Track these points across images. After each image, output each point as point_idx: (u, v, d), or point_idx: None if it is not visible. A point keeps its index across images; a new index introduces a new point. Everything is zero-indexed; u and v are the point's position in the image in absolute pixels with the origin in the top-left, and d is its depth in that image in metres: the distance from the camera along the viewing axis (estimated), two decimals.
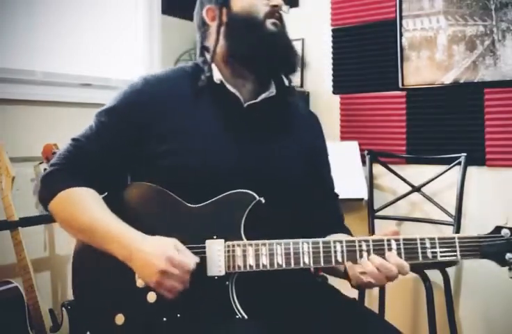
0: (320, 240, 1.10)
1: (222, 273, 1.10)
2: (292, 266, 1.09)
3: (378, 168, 2.58)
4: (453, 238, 1.08)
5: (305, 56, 2.84)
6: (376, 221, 2.52)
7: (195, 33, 1.35)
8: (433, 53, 2.47)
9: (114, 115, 1.23)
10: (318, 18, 2.79)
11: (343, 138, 2.73)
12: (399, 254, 1.07)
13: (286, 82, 1.30)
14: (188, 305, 1.09)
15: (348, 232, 1.34)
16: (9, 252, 1.92)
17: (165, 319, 1.10)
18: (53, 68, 2.32)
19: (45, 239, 2.23)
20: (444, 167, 2.39)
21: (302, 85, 2.82)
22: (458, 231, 2.30)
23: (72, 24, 2.43)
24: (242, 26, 1.23)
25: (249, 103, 1.25)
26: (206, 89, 1.23)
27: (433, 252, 1.07)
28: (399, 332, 1.15)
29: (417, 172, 2.50)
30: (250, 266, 1.10)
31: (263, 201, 1.13)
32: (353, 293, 1.29)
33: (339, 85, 2.77)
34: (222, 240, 1.11)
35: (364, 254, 1.08)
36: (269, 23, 1.24)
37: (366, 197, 2.43)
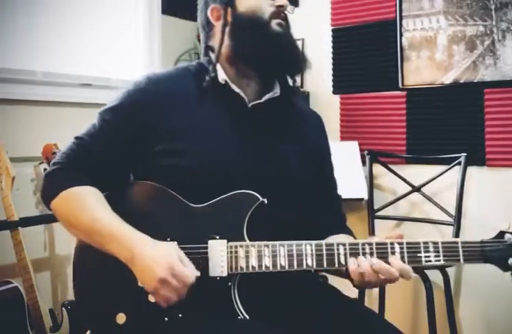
0: (323, 242, 1.10)
1: (225, 273, 1.10)
2: (295, 267, 1.09)
3: (378, 168, 2.58)
4: (457, 242, 1.07)
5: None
6: (376, 221, 2.52)
7: (200, 32, 1.34)
8: (433, 53, 2.47)
9: (118, 113, 1.22)
10: (318, 18, 2.79)
11: (343, 138, 2.73)
12: (402, 258, 1.07)
13: (291, 82, 1.30)
14: (190, 305, 1.08)
15: (350, 232, 1.34)
16: (9, 252, 1.92)
17: (166, 318, 1.10)
18: (53, 68, 2.32)
19: (45, 239, 2.22)
20: (444, 167, 2.39)
21: (302, 85, 2.82)
22: (458, 231, 2.30)
23: (72, 24, 2.42)
24: (247, 26, 1.22)
25: (253, 103, 1.25)
26: (210, 89, 1.23)
27: (436, 257, 1.07)
28: (399, 331, 1.15)
29: (417, 172, 2.50)
30: (253, 268, 1.09)
31: (266, 202, 1.13)
32: (353, 294, 1.29)
33: (339, 85, 2.77)
34: (225, 240, 1.11)
35: (367, 256, 1.08)
36: (274, 23, 1.23)
37: (366, 197, 2.44)
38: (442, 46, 2.45)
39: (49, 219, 2.08)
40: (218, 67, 1.25)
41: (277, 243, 1.10)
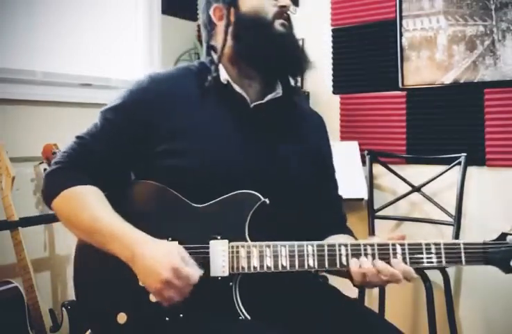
0: (325, 243, 1.10)
1: (226, 273, 1.09)
2: (296, 268, 1.09)
3: (378, 168, 2.58)
4: (459, 244, 1.07)
5: None
6: (376, 221, 2.52)
7: (201, 31, 1.34)
8: (433, 53, 2.47)
9: (120, 112, 1.22)
10: (318, 18, 2.79)
11: (343, 138, 2.73)
12: (404, 259, 1.07)
13: (292, 82, 1.30)
14: (191, 305, 1.08)
15: (350, 233, 1.34)
16: (9, 252, 1.92)
17: (167, 318, 1.10)
18: (53, 68, 2.32)
19: (45, 239, 2.22)
20: (444, 167, 2.39)
21: (302, 85, 2.82)
22: (458, 231, 2.30)
23: (72, 24, 2.42)
24: (250, 27, 1.22)
25: (255, 103, 1.25)
26: (212, 89, 1.23)
27: (437, 258, 1.07)
28: (399, 331, 1.15)
29: (417, 172, 2.50)
30: (254, 268, 1.09)
31: (267, 202, 1.12)
32: (353, 294, 1.29)
33: (339, 85, 2.77)
34: (226, 240, 1.11)
35: (369, 257, 1.08)
36: (278, 24, 1.23)
37: (366, 197, 2.43)
38: (442, 46, 2.45)
39: (49, 219, 2.08)
40: (220, 67, 1.24)
41: (279, 243, 1.10)
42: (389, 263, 1.06)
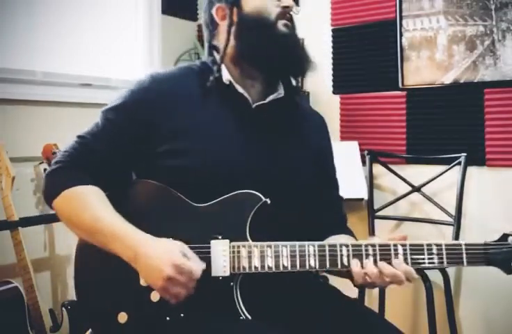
0: (326, 243, 1.10)
1: (227, 273, 1.09)
2: (298, 268, 1.09)
3: (378, 168, 2.58)
4: (460, 245, 1.07)
5: None
6: (376, 221, 2.52)
7: (203, 31, 1.34)
8: (433, 53, 2.47)
9: (121, 112, 1.22)
10: (318, 18, 2.78)
11: (343, 138, 2.73)
12: (405, 259, 1.07)
13: (294, 83, 1.30)
14: (192, 305, 1.08)
15: (351, 233, 1.34)
16: (9, 252, 1.92)
17: (168, 318, 1.10)
18: (53, 68, 2.32)
19: (45, 239, 2.22)
20: (444, 167, 2.39)
21: (302, 86, 2.82)
22: (458, 231, 2.30)
23: (72, 24, 2.42)
24: (253, 27, 1.22)
25: (257, 104, 1.25)
26: (214, 89, 1.23)
27: (439, 259, 1.07)
28: (399, 331, 1.15)
29: (417, 172, 2.50)
30: (255, 268, 1.09)
31: (269, 202, 1.12)
32: (353, 294, 1.29)
33: (339, 85, 2.77)
34: (227, 240, 1.11)
35: (371, 258, 1.07)
36: (281, 24, 1.23)
37: (366, 197, 2.43)
38: (442, 46, 2.45)
39: (49, 219, 2.08)
40: (223, 67, 1.24)
41: (280, 243, 1.10)
42: (390, 264, 1.06)
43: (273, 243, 1.10)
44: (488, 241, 1.08)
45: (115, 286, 1.16)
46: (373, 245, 1.08)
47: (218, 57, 1.26)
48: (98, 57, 2.54)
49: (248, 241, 1.11)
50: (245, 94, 1.24)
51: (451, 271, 2.35)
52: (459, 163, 2.35)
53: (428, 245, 1.07)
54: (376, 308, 2.45)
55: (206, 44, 1.33)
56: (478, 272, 2.33)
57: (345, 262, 1.08)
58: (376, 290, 2.50)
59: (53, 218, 1.92)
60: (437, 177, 2.40)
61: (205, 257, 1.10)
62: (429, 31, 2.48)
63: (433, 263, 1.07)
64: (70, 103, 2.30)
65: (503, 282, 2.19)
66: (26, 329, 1.86)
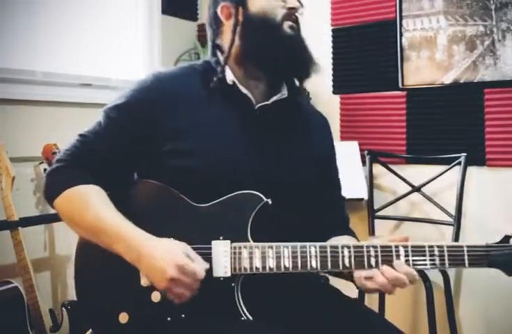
0: (328, 244, 1.10)
1: (228, 274, 1.09)
2: (299, 269, 1.09)
3: (378, 168, 2.58)
4: (462, 246, 1.07)
5: None
6: (376, 221, 2.52)
7: (206, 30, 1.33)
8: (433, 53, 2.47)
9: (123, 111, 1.21)
10: (318, 18, 2.78)
11: (343, 138, 2.73)
12: (407, 261, 1.06)
13: (297, 83, 1.29)
14: (193, 306, 1.08)
15: (353, 234, 1.33)
16: (9, 252, 1.92)
17: (169, 318, 1.10)
18: (53, 68, 2.32)
19: (45, 239, 2.23)
20: (444, 167, 2.39)
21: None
22: (458, 231, 2.30)
23: (72, 24, 2.43)
24: (259, 27, 1.21)
25: (260, 105, 1.24)
26: (217, 89, 1.22)
27: (440, 260, 1.06)
28: (399, 331, 1.15)
29: (417, 172, 2.50)
30: (257, 269, 1.09)
31: (270, 202, 1.12)
32: (353, 294, 1.29)
33: (339, 85, 2.77)
34: (229, 241, 1.11)
35: (372, 260, 1.07)
36: (287, 26, 1.22)
37: (366, 197, 2.43)
38: (442, 46, 2.45)
39: (49, 219, 2.09)
40: (226, 67, 1.23)
41: (281, 244, 1.09)
42: (391, 265, 1.06)
43: (274, 244, 1.10)
44: (490, 243, 1.07)
45: (115, 286, 1.16)
46: (374, 247, 1.08)
47: (222, 58, 1.25)
48: (98, 57, 2.54)
49: (249, 241, 1.11)
50: (249, 95, 1.23)
51: (451, 271, 2.35)
52: (459, 163, 2.35)
53: (429, 246, 1.07)
54: (376, 308, 2.45)
55: (209, 43, 1.32)
56: (479, 272, 2.33)
57: (346, 263, 1.08)
58: None
59: (53, 218, 1.93)
60: (437, 177, 2.39)
61: (206, 257, 1.09)
62: (429, 31, 2.48)
63: (435, 265, 1.06)
64: (70, 103, 2.31)
65: (503, 282, 2.19)
66: (26, 329, 1.86)
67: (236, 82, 1.23)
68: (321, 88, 2.78)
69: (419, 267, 1.07)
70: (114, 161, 1.21)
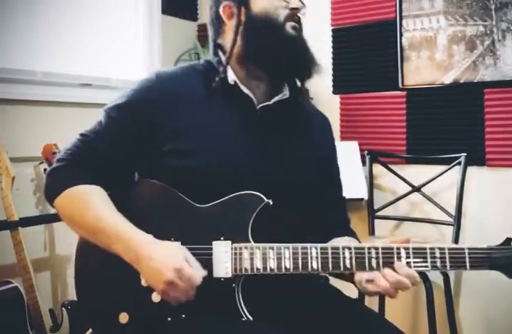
0: (328, 245, 1.09)
1: (229, 275, 1.09)
2: (300, 270, 1.08)
3: (378, 168, 2.58)
4: (463, 248, 1.06)
5: None
6: (376, 221, 2.52)
7: (208, 29, 1.32)
8: (433, 53, 2.47)
9: (124, 111, 1.21)
10: (318, 18, 2.78)
11: (343, 138, 2.73)
12: (408, 263, 1.06)
13: (299, 84, 1.29)
14: (194, 306, 1.08)
15: (354, 235, 1.33)
16: (9, 252, 1.92)
17: (169, 319, 1.10)
18: (53, 68, 2.32)
19: (45, 239, 2.22)
20: (444, 167, 2.39)
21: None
22: (458, 231, 2.30)
23: (72, 24, 2.43)
24: (262, 28, 1.20)
25: (262, 105, 1.24)
26: (218, 89, 1.22)
27: (442, 262, 1.06)
28: (400, 331, 1.15)
29: (417, 172, 2.50)
30: (258, 269, 1.08)
31: (271, 203, 1.12)
32: (353, 294, 1.29)
33: (339, 85, 2.77)
34: (229, 242, 1.10)
35: (373, 261, 1.07)
36: (289, 26, 1.22)
37: (366, 197, 2.44)
38: (442, 46, 2.45)
39: (49, 219, 2.09)
40: (228, 67, 1.23)
41: (282, 245, 1.09)
42: (393, 267, 1.06)
43: (275, 245, 1.09)
44: (491, 245, 1.07)
45: (115, 286, 1.16)
46: (376, 248, 1.07)
47: (223, 58, 1.24)
48: (98, 57, 2.54)
49: (250, 242, 1.10)
50: (251, 95, 1.23)
51: (451, 271, 2.35)
52: (459, 163, 2.35)
53: (431, 248, 1.06)
54: (376, 308, 2.45)
55: (210, 43, 1.31)
56: (479, 272, 2.30)
57: (347, 265, 1.08)
58: None
59: (53, 218, 1.93)
60: (437, 177, 2.40)
61: (207, 258, 1.09)
62: (429, 31, 2.48)
63: (436, 267, 1.06)
64: (70, 103, 2.31)
65: (503, 283, 2.18)
66: (26, 329, 1.86)
67: (238, 82, 1.23)
68: (321, 88, 2.78)
69: (420, 269, 1.06)
70: (115, 161, 1.20)
